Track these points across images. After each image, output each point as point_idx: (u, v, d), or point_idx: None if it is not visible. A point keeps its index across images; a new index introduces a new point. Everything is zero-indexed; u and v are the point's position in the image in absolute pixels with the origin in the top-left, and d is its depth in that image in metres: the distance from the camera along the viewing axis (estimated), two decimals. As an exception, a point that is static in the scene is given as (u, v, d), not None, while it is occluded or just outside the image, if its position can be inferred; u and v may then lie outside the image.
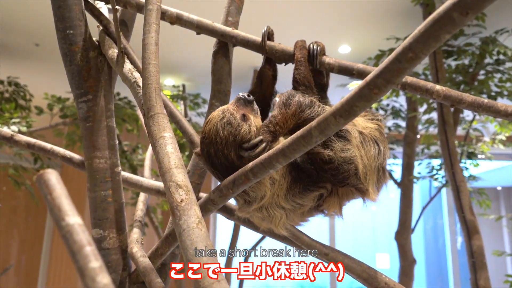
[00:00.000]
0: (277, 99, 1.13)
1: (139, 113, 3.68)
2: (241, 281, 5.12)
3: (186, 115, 5.06)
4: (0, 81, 4.66)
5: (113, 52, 1.26)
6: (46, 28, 4.34)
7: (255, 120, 1.09)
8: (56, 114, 4.52)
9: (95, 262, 0.44)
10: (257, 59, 1.43)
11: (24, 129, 3.88)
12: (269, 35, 1.36)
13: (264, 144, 1.03)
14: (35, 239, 6.94)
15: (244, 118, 1.07)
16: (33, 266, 6.81)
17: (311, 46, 1.31)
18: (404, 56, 0.68)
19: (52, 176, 0.51)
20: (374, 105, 4.57)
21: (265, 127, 1.07)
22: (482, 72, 3.74)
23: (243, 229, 5.25)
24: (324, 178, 1.09)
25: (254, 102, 1.11)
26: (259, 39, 1.35)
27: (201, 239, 0.76)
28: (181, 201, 0.82)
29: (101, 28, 1.37)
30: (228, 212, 1.38)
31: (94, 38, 1.34)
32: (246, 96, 1.10)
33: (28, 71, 5.40)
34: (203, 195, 1.30)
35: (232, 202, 1.36)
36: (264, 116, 1.34)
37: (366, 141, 1.16)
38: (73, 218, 0.48)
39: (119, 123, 4.57)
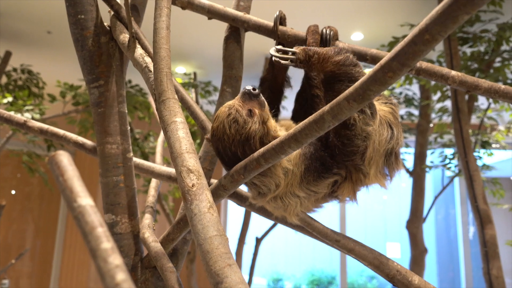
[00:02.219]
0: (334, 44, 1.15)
1: (150, 100, 3.69)
2: (252, 267, 5.15)
3: (197, 102, 5.06)
4: (14, 69, 4.70)
5: (124, 37, 1.25)
6: (57, 15, 4.36)
7: (261, 114, 1.08)
8: (68, 101, 4.56)
9: (107, 243, 0.44)
10: (268, 47, 1.41)
11: (37, 116, 3.91)
12: (281, 20, 1.34)
13: (294, 57, 1.08)
14: (49, 225, 7.06)
15: (250, 113, 1.06)
16: (47, 251, 6.95)
17: (324, 30, 1.29)
18: (421, 38, 0.66)
19: (64, 158, 0.51)
20: (386, 92, 4.51)
21: (306, 48, 1.09)
22: (498, 59, 3.66)
23: (254, 217, 5.28)
24: (332, 151, 1.08)
25: (261, 95, 1.10)
26: (271, 24, 1.33)
27: (212, 223, 0.76)
28: (192, 186, 0.81)
29: (112, 13, 1.36)
30: (239, 199, 1.37)
31: (105, 23, 1.34)
32: (252, 90, 1.08)
33: (41, 58, 5.44)
34: (214, 181, 1.30)
35: (243, 188, 1.36)
36: (275, 102, 1.33)
37: (381, 123, 1.15)
38: (85, 200, 0.47)
39: (131, 110, 4.59)
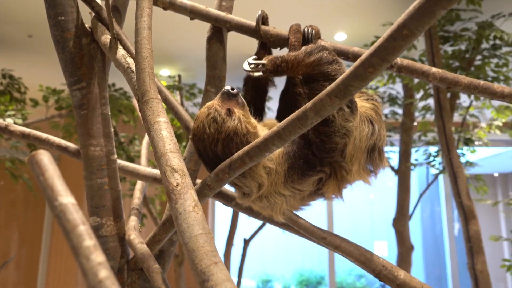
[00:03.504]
0: (303, 48, 1.14)
1: (135, 103, 3.66)
2: (241, 269, 5.15)
3: (182, 105, 5.04)
4: (-6, 73, 4.62)
5: (106, 38, 1.25)
6: (39, 19, 4.30)
7: (240, 113, 1.08)
8: (51, 106, 4.50)
9: (89, 241, 0.44)
10: (251, 47, 1.42)
11: (19, 121, 3.85)
12: (263, 20, 1.34)
13: (263, 69, 1.10)
14: (34, 232, 6.95)
15: (229, 112, 1.07)
16: (33, 258, 6.83)
17: (306, 29, 1.30)
18: (399, 33, 0.67)
19: (44, 157, 0.50)
20: (370, 92, 4.55)
21: (274, 57, 1.11)
22: (478, 57, 3.73)
23: (241, 219, 5.27)
24: (311, 147, 1.08)
25: (239, 95, 1.11)
26: (253, 23, 1.34)
27: (197, 222, 0.76)
28: (177, 185, 0.81)
29: (93, 14, 1.35)
30: (225, 199, 1.38)
31: (86, 25, 1.32)
32: (230, 90, 1.10)
33: (22, 63, 5.36)
34: (199, 181, 1.30)
35: (229, 188, 1.36)
36: (259, 102, 1.34)
37: (362, 120, 1.16)
38: (66, 198, 0.47)
39: (115, 114, 4.55)
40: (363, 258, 1.18)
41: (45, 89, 4.50)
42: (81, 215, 0.46)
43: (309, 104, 0.82)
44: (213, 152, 1.05)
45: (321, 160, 1.10)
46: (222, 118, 1.05)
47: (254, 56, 1.15)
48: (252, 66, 1.13)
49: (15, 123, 3.71)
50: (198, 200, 0.80)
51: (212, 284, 0.68)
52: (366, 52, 0.72)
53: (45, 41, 4.72)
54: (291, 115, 0.86)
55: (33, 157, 0.50)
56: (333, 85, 0.78)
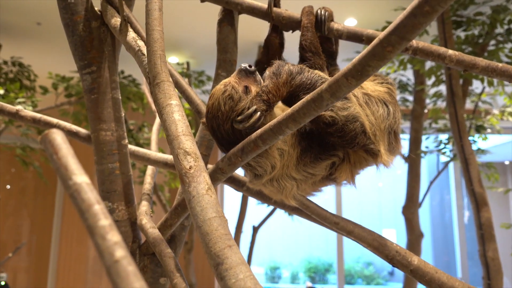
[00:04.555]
0: (267, 72, 1.09)
1: (144, 90, 3.65)
2: (250, 256, 5.17)
3: (191, 92, 5.02)
4: (4, 61, 4.64)
5: (116, 21, 1.23)
6: (47, 6, 4.29)
7: (257, 91, 1.06)
8: (61, 93, 4.51)
9: (104, 220, 0.43)
10: (262, 35, 1.39)
11: (30, 108, 3.87)
12: (275, 2, 1.32)
13: (258, 114, 1.00)
14: (45, 219, 7.03)
15: (246, 90, 1.04)
16: (44, 245, 6.93)
17: (319, 11, 1.27)
18: (420, 10, 0.64)
19: (58, 136, 0.49)
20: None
21: (258, 96, 1.03)
22: (492, 42, 3.65)
23: (250, 206, 5.28)
24: (335, 144, 1.07)
25: (257, 73, 1.08)
26: (265, 6, 1.31)
27: (211, 205, 0.75)
28: (190, 168, 0.80)
29: (102, -3, 1.33)
30: (236, 184, 1.37)
31: (96, 8, 1.31)
32: (248, 67, 1.07)
33: (31, 50, 5.37)
34: (210, 167, 1.29)
35: (240, 173, 1.35)
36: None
37: (373, 102, 1.13)
38: (81, 177, 0.46)
39: (124, 101, 4.55)
40: (376, 243, 1.17)
41: (54, 77, 4.51)
42: (96, 194, 0.45)
43: (324, 85, 0.80)
44: (226, 130, 1.02)
45: (335, 145, 1.08)
46: (239, 96, 1.02)
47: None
48: (245, 122, 1.01)
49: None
50: (211, 183, 0.79)
51: (227, 267, 0.67)
52: (384, 31, 0.70)
53: (54, 29, 4.72)
54: (306, 97, 0.84)
55: (46, 136, 0.49)
56: (350, 65, 0.76)
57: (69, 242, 6.83)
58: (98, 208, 0.44)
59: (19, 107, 3.72)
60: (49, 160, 0.48)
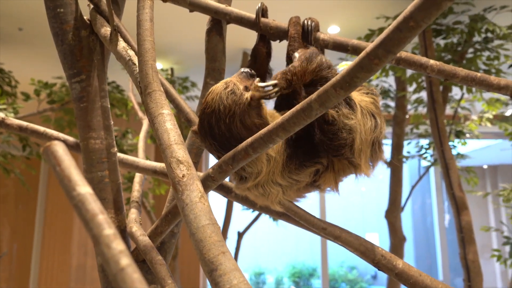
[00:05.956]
0: (296, 54, 1.13)
1: (129, 96, 3.64)
2: (235, 260, 5.17)
3: (175, 98, 5.02)
4: (-16, 67, 4.56)
5: (106, 30, 1.24)
6: (29, 12, 4.24)
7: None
8: (43, 100, 4.45)
9: (109, 230, 0.45)
10: (246, 41, 1.42)
11: (11, 115, 3.81)
12: (263, 12, 1.34)
13: (277, 88, 1.05)
14: (26, 227, 6.90)
15: (247, 90, 1.07)
16: (25, 254, 6.79)
17: (306, 22, 1.30)
18: (405, 25, 0.68)
19: (59, 148, 0.50)
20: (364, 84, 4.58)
21: (283, 73, 1.08)
22: (470, 50, 3.77)
23: (235, 212, 5.29)
24: (321, 144, 1.09)
25: (256, 78, 1.12)
26: (253, 16, 1.34)
27: (204, 212, 0.77)
28: (182, 176, 0.82)
29: (91, 6, 1.34)
30: (225, 191, 1.38)
31: (85, 17, 1.32)
32: (249, 70, 1.11)
33: (12, 56, 5.29)
34: (200, 174, 1.30)
35: (228, 180, 1.36)
36: (263, 71, 1.34)
37: (364, 114, 1.17)
38: (84, 188, 0.48)
39: (108, 108, 4.51)
40: (362, 248, 1.20)
41: (37, 83, 4.45)
42: (99, 204, 0.47)
43: (314, 95, 0.83)
44: (227, 125, 1.03)
45: (320, 152, 1.11)
46: (241, 92, 1.05)
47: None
48: (261, 89, 1.07)
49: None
50: (204, 191, 0.81)
51: (221, 273, 0.69)
52: (371, 44, 0.73)
53: (36, 34, 4.66)
54: (295, 107, 0.87)
55: (48, 148, 0.51)
56: (338, 76, 0.79)
57: (51, 250, 6.71)
58: (102, 218, 0.45)
59: (0, 114, 3.66)
60: (53, 171, 0.50)
